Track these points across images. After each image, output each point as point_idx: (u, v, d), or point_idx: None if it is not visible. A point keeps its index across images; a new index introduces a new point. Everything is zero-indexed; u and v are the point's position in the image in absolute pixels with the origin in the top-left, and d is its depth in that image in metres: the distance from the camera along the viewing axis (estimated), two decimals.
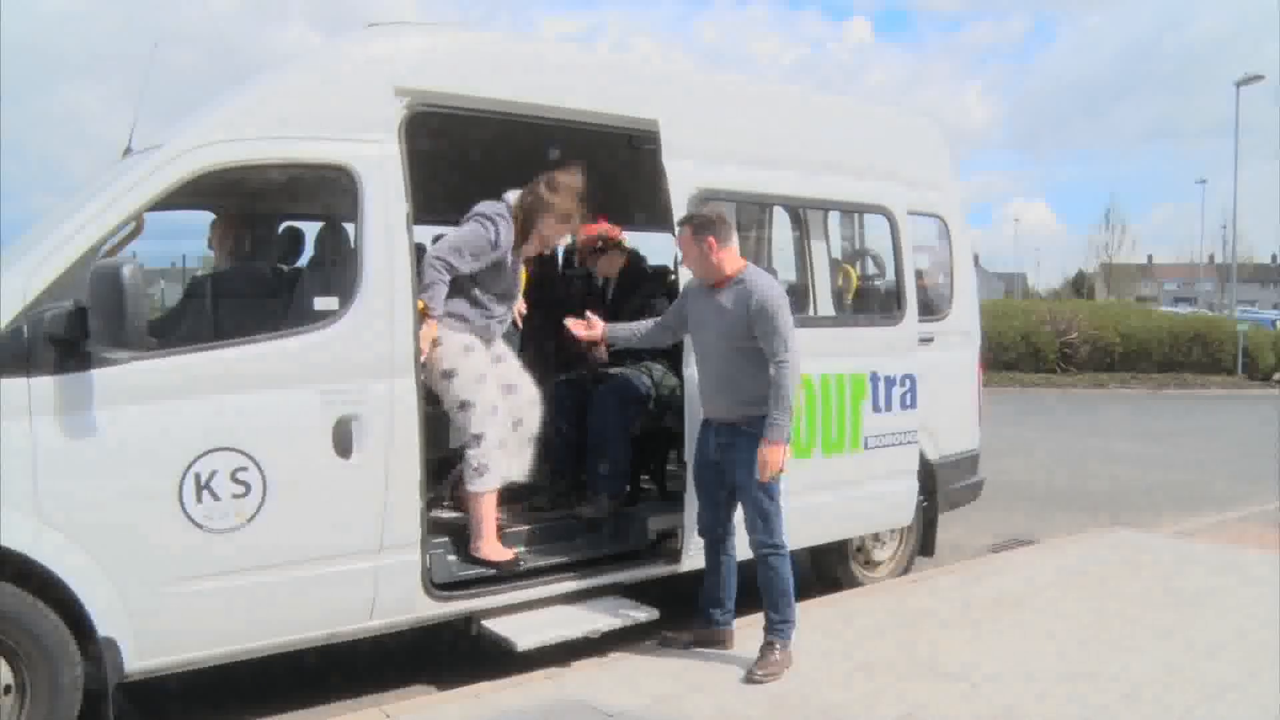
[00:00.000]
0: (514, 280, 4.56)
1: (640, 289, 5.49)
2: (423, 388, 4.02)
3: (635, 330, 4.76)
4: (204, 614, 3.55)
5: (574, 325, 4.70)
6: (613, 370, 5.20)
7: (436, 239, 4.52)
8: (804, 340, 4.30)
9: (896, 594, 5.53)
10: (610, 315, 4.98)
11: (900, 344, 5.56)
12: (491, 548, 4.37)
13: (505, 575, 4.32)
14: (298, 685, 4.19)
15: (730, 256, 4.31)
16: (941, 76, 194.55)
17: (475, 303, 4.40)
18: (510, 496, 5.05)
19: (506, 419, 4.49)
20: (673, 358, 5.07)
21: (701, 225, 4.27)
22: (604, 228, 5.42)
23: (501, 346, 4.67)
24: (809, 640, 4.50)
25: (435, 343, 4.22)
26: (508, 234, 4.37)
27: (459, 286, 4.33)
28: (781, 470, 4.22)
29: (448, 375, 4.30)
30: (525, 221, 4.44)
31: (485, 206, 4.42)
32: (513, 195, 4.49)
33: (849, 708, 3.90)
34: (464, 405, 4.31)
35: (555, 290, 5.95)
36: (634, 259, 5.73)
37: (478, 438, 4.31)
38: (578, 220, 4.63)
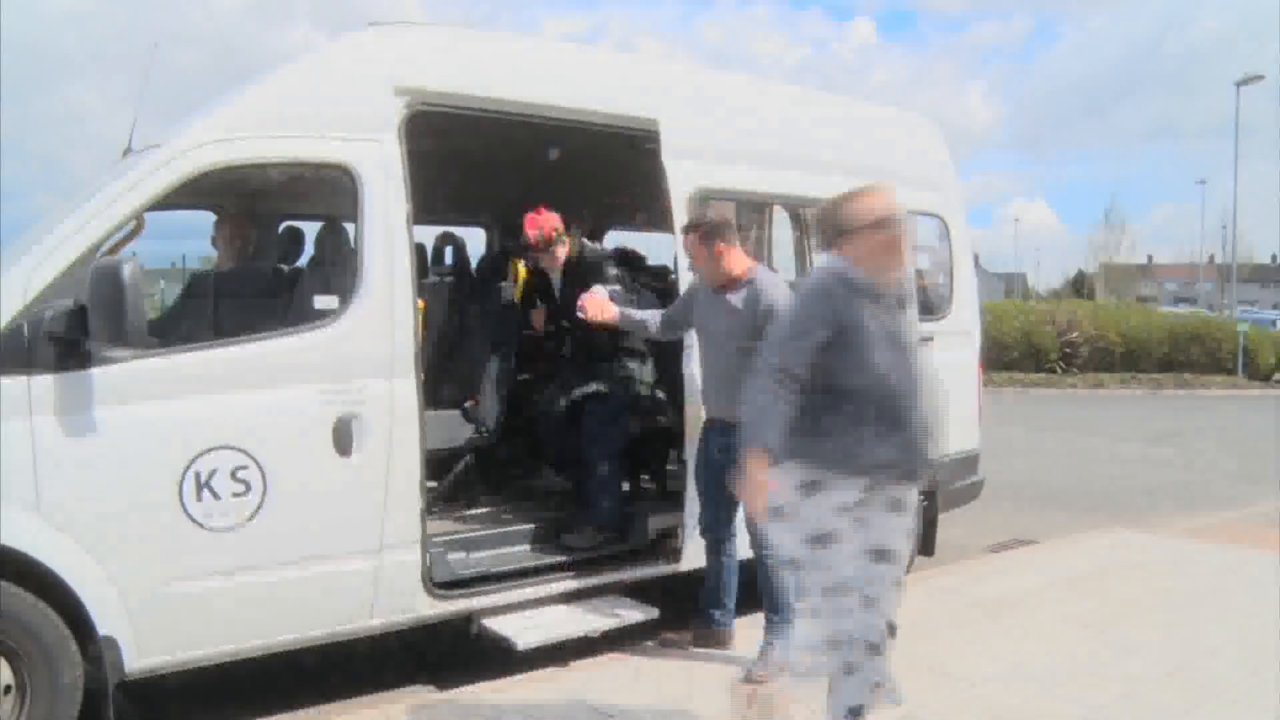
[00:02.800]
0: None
1: (589, 280, 4.93)
2: (423, 388, 4.00)
3: (647, 321, 4.67)
4: (204, 613, 3.55)
5: (588, 302, 4.57)
6: (592, 389, 5.01)
7: (438, 238, 4.46)
8: None
9: None
10: (560, 309, 4.88)
11: None
12: None
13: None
14: (298, 685, 4.18)
15: (738, 258, 4.29)
16: (944, 77, 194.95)
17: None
18: (517, 495, 5.06)
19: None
20: (667, 354, 5.02)
21: (709, 231, 4.22)
22: (552, 220, 4.95)
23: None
24: None
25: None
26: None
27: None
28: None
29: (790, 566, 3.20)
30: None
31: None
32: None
33: None
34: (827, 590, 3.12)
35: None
36: (580, 249, 5.12)
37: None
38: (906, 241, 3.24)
